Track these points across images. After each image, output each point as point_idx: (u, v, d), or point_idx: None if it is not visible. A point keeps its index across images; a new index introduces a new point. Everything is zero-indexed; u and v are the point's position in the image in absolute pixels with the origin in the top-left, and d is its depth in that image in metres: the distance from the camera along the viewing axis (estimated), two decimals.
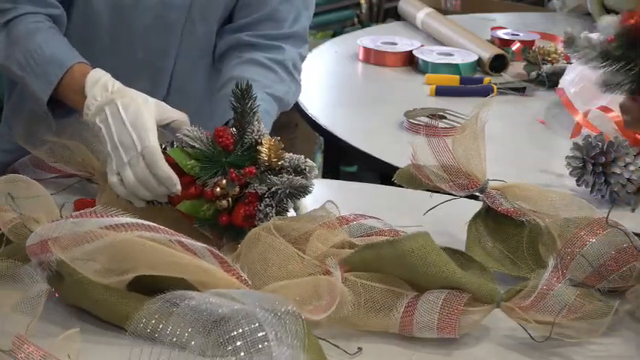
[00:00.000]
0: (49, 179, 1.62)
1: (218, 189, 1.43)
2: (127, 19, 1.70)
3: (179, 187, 1.44)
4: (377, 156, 1.98)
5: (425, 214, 1.49)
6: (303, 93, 2.30)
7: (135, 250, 1.20)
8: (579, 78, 2.11)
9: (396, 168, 1.57)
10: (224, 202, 1.44)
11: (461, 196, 1.49)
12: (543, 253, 1.41)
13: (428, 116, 2.11)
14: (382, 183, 1.86)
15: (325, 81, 2.55)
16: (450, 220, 1.33)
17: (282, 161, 1.45)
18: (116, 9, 1.68)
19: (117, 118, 1.46)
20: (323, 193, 1.55)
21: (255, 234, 1.35)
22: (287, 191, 1.42)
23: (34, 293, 1.16)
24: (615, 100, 1.97)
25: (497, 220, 1.47)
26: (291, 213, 1.48)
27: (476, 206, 1.50)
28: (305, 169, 1.45)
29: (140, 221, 1.21)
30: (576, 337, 1.27)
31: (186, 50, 1.75)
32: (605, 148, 1.75)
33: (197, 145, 1.46)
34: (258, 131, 1.46)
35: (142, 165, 1.44)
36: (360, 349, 1.25)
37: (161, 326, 1.08)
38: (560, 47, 2.62)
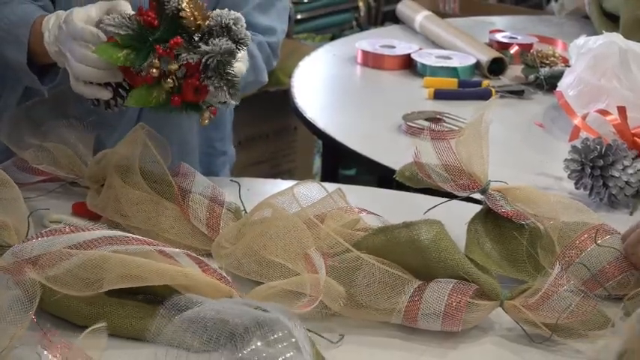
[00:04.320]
0: (32, 184, 1.62)
1: (154, 70, 1.38)
2: None
3: (101, 34, 1.41)
4: (375, 159, 1.98)
5: (425, 213, 1.50)
6: (301, 96, 2.32)
7: (111, 265, 1.19)
8: (577, 81, 2.11)
9: (395, 171, 1.57)
10: (169, 82, 1.39)
11: (459, 197, 1.50)
12: (542, 257, 1.41)
13: (426, 119, 2.11)
14: (380, 186, 1.86)
15: (323, 84, 2.55)
16: (448, 221, 1.33)
17: (209, 21, 1.39)
18: None
19: (61, 30, 1.47)
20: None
21: (266, 205, 1.37)
22: (216, 60, 1.36)
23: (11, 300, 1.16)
24: (613, 103, 1.98)
25: (497, 223, 1.47)
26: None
27: (474, 208, 1.50)
28: (229, 24, 1.38)
29: (113, 233, 1.21)
30: (574, 340, 1.27)
31: None
32: (603, 151, 1.75)
33: (122, 32, 1.40)
34: None
35: (74, 45, 1.43)
36: (341, 336, 1.26)
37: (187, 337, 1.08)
38: (559, 50, 2.62)
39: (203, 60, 1.37)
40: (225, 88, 1.38)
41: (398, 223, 1.33)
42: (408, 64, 2.56)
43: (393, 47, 2.62)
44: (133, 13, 1.44)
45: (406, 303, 1.27)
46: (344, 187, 1.54)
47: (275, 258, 1.32)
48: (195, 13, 1.38)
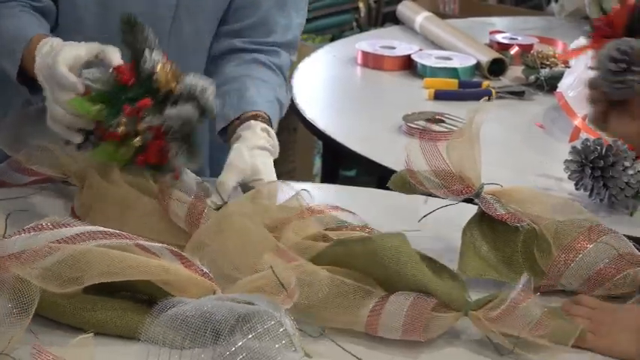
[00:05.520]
0: (26, 185, 1.62)
1: (122, 128, 1.39)
2: (112, 15, 1.70)
3: (79, 85, 1.42)
4: (375, 160, 1.98)
5: (420, 220, 1.50)
6: (301, 97, 2.31)
7: (93, 260, 1.19)
8: (578, 82, 2.11)
9: (395, 172, 1.57)
10: (137, 141, 1.40)
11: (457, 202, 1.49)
12: (539, 259, 1.41)
13: (426, 120, 2.11)
14: (380, 187, 1.86)
15: (324, 85, 2.55)
16: (446, 224, 1.33)
17: (180, 86, 1.40)
18: (101, 4, 1.68)
19: (48, 68, 1.48)
20: (322, 197, 1.55)
21: (228, 215, 1.36)
22: (177, 125, 1.38)
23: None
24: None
25: (493, 226, 1.46)
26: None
27: (472, 210, 1.50)
28: (195, 93, 1.40)
29: (96, 228, 1.22)
30: (539, 354, 1.25)
31: (174, 49, 1.74)
32: (603, 152, 1.75)
33: (98, 87, 1.41)
34: (152, 59, 1.41)
35: (55, 87, 1.44)
36: (322, 330, 1.25)
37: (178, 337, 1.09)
38: (559, 51, 2.62)
39: (165, 124, 1.38)
40: (185, 153, 1.39)
41: (355, 237, 1.32)
42: (408, 64, 2.56)
43: (393, 48, 2.62)
44: (119, 64, 1.45)
45: (367, 315, 1.26)
46: (344, 188, 1.54)
47: (234, 273, 1.31)
48: (169, 77, 1.40)
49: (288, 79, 1.82)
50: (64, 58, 1.45)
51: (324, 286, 1.28)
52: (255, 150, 1.56)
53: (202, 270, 1.25)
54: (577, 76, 2.11)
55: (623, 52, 1.43)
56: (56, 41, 1.52)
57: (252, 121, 1.60)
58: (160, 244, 1.25)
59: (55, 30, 1.71)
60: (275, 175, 1.55)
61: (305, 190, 1.45)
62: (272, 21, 1.77)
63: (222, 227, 1.36)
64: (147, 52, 1.41)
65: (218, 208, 1.48)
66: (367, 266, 1.29)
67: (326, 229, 1.41)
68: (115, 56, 1.47)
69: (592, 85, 1.49)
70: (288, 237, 1.36)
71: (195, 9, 1.73)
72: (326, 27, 4.11)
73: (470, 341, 1.29)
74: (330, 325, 1.28)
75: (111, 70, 1.44)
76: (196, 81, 1.41)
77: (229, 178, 1.51)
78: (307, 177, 3.66)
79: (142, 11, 1.70)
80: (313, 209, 1.43)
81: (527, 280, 1.26)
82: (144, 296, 1.24)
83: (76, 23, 1.69)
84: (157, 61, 1.41)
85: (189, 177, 1.51)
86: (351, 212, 1.47)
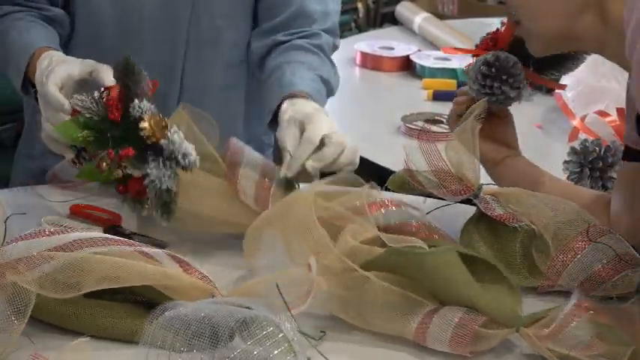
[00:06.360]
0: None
1: (104, 164, 1.42)
2: (131, 14, 1.71)
3: (67, 106, 1.45)
4: (374, 160, 1.98)
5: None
6: None
7: (91, 267, 1.19)
8: (576, 82, 2.11)
9: (393, 172, 1.57)
10: (119, 172, 1.42)
11: (455, 202, 1.49)
12: (537, 259, 1.41)
13: (425, 121, 2.11)
14: (379, 187, 1.86)
15: None
16: (445, 224, 1.33)
17: (164, 140, 1.41)
18: (119, 3, 1.69)
19: (40, 85, 1.51)
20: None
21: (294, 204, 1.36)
22: (155, 189, 1.39)
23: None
24: (612, 104, 1.98)
25: (491, 226, 1.46)
26: None
27: (471, 210, 1.50)
28: (178, 157, 1.40)
29: (94, 235, 1.22)
30: None
31: (194, 45, 1.76)
32: (602, 152, 1.75)
33: (87, 115, 1.43)
34: (140, 107, 1.42)
35: (45, 105, 1.48)
36: (323, 332, 1.25)
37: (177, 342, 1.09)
38: None
39: (145, 182, 1.40)
40: (159, 210, 1.40)
41: (409, 248, 1.30)
42: (406, 65, 2.56)
43: (392, 49, 2.62)
44: (110, 84, 1.46)
45: (416, 326, 1.26)
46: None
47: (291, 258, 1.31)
48: (155, 128, 1.41)
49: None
50: (54, 78, 1.48)
51: (375, 293, 1.27)
52: (294, 110, 1.56)
53: (202, 274, 1.25)
54: (576, 77, 2.11)
55: (496, 59, 1.49)
56: (56, 56, 1.55)
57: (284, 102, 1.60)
58: (160, 250, 1.25)
59: (72, 37, 1.72)
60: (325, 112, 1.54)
61: (373, 183, 1.44)
62: (309, 10, 1.79)
63: (287, 214, 1.36)
64: (136, 100, 1.42)
65: (287, 183, 1.49)
66: (419, 277, 1.28)
67: (387, 226, 1.39)
68: (107, 76, 1.49)
69: (461, 91, 1.55)
70: (346, 240, 1.34)
71: (213, 5, 1.74)
72: None
73: (521, 355, 1.27)
74: (378, 330, 1.28)
75: (101, 90, 1.45)
76: (180, 142, 1.41)
77: (290, 146, 1.50)
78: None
79: (159, 8, 1.71)
80: (379, 203, 1.42)
81: (579, 298, 1.25)
82: (142, 298, 1.24)
83: (93, 28, 1.71)
84: (144, 110, 1.42)
85: (254, 155, 1.51)
86: (415, 208, 1.46)
